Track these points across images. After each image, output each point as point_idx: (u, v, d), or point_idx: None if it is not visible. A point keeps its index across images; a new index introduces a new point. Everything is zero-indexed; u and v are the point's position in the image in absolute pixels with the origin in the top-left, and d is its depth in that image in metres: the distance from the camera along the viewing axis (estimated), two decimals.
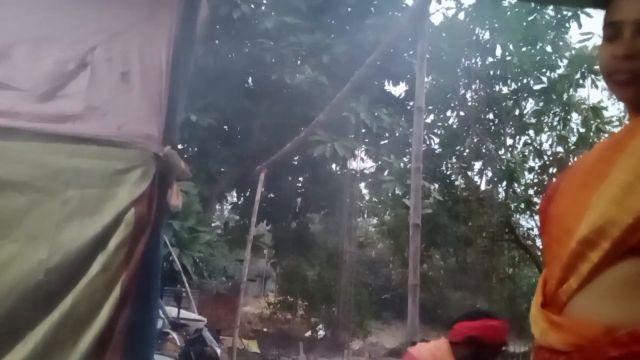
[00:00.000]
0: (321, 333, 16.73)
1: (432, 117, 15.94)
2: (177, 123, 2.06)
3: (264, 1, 11.52)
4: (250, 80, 12.36)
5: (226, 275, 10.83)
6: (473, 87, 16.65)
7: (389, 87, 14.61)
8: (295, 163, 13.76)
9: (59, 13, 1.90)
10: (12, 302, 1.55)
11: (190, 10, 2.07)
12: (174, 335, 4.73)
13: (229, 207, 17.16)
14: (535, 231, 16.70)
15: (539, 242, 16.54)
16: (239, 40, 11.15)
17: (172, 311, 5.22)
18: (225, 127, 12.13)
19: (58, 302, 1.59)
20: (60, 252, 1.63)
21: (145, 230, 1.79)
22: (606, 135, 14.78)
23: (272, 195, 14.13)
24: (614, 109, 16.54)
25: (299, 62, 11.07)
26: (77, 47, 1.85)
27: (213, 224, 13.05)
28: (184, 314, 5.70)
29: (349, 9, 11.73)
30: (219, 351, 5.23)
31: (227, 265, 10.74)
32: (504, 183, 15.24)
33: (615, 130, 14.56)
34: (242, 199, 14.54)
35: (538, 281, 1.24)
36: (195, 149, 11.61)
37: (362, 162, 13.88)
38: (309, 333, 16.60)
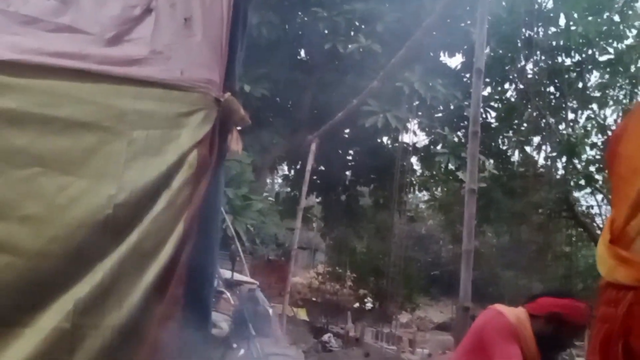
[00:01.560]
0: (369, 305, 16.86)
1: (489, 89, 15.41)
2: (237, 71, 2.08)
3: None
4: (302, 50, 12.32)
5: (277, 243, 11.04)
6: (534, 58, 15.94)
7: (444, 58, 14.20)
8: (346, 135, 13.69)
9: None
10: (82, 234, 1.63)
11: None
12: (228, 294, 4.87)
13: (280, 179, 17.38)
14: (596, 209, 16.04)
15: (598, 221, 15.89)
16: (292, 9, 11.09)
17: (226, 273, 5.37)
18: (278, 98, 12.17)
19: (125, 236, 1.66)
20: (128, 189, 1.69)
21: (206, 172, 1.83)
22: None
23: (322, 167, 14.15)
24: None
25: (352, 31, 10.91)
26: None
27: (265, 195, 13.27)
28: (237, 276, 5.84)
29: None
30: (270, 311, 5.37)
31: (278, 233, 10.92)
32: (564, 159, 14.63)
33: None
34: (292, 171, 14.68)
35: (604, 224, 1.20)
36: (249, 119, 11.66)
37: (415, 135, 13.66)
38: (357, 304, 16.77)
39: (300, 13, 11.31)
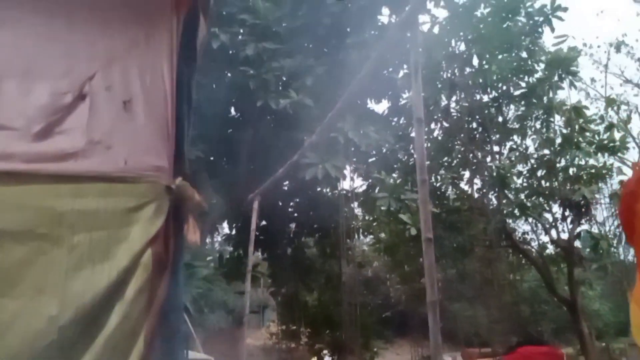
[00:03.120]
0: (327, 359, 16.36)
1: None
2: (186, 151, 1.90)
3: (241, 30, 11.48)
4: (233, 109, 12.24)
5: (227, 310, 10.51)
6: (454, 97, 16.79)
7: (371, 104, 14.61)
8: (285, 188, 13.56)
9: (47, 41, 1.73)
10: None
11: (190, 30, 1.93)
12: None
13: (221, 239, 16.85)
14: (531, 235, 16.71)
15: (535, 245, 16.55)
16: (220, 70, 11.05)
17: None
18: (213, 158, 11.94)
19: None
20: (72, 305, 1.43)
21: (164, 272, 1.61)
22: (589, 134, 14.94)
23: (264, 222, 13.88)
24: (594, 107, 16.78)
25: (281, 87, 11.00)
26: (72, 77, 1.69)
27: (207, 258, 12.74)
28: (191, 355, 5.42)
29: (327, 31, 11.73)
30: None
31: (226, 298, 10.43)
32: (495, 190, 15.23)
33: (599, 128, 14.71)
34: (234, 230, 14.31)
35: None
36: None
37: (353, 182, 13.77)
38: None
39: (228, 73, 11.31)
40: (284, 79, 11.14)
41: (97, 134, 1.66)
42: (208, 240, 15.87)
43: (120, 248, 1.56)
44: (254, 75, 10.32)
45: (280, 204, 14.08)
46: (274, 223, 13.68)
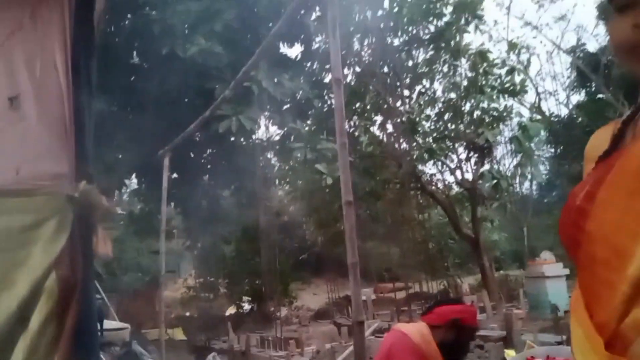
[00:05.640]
0: (247, 306, 16.56)
1: (329, 76, 15.85)
2: (90, 150, 1.65)
3: None
4: (136, 55, 11.30)
5: (141, 270, 10.16)
6: (366, 42, 16.77)
7: (284, 49, 14.19)
8: (197, 139, 13.04)
9: None
10: None
11: (84, 3, 1.63)
12: (102, 357, 4.27)
13: (128, 193, 16.04)
14: (438, 176, 17.60)
15: (441, 186, 17.47)
16: (119, 12, 10.06)
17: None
18: (115, 108, 11.08)
19: None
20: None
21: (72, 296, 1.41)
22: (492, 77, 15.66)
23: (176, 175, 13.33)
24: (496, 50, 17.49)
25: (188, 32, 10.28)
26: None
27: (118, 217, 12.10)
28: (107, 324, 5.19)
29: None
30: None
31: (140, 259, 10.06)
32: (405, 135, 15.69)
33: (501, 71, 15.44)
34: (143, 184, 13.62)
35: (571, 303, 1.08)
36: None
37: (267, 131, 13.53)
38: (234, 309, 16.35)
39: (129, 15, 10.33)
40: (191, 24, 10.41)
41: None
42: (116, 196, 15.07)
43: (18, 274, 1.34)
44: (158, 19, 9.54)
45: (192, 155, 13.58)
46: (187, 175, 13.20)
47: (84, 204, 1.51)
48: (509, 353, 6.85)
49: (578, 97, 20.17)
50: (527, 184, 20.68)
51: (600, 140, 1.15)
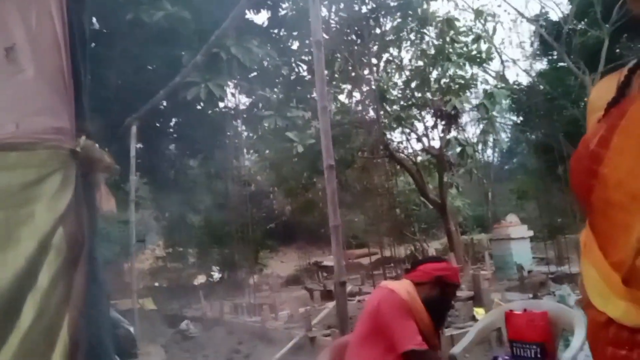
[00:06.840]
0: (217, 276, 16.60)
1: (297, 44, 15.65)
2: (88, 104, 1.60)
3: None
4: (97, 21, 10.83)
5: (109, 240, 9.98)
6: (334, 8, 16.55)
7: (250, 15, 13.86)
8: (163, 108, 12.72)
9: None
10: None
11: None
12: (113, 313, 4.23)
13: None
14: (405, 144, 17.80)
15: (408, 153, 17.70)
16: None
17: None
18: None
19: None
20: None
21: (81, 253, 1.39)
22: (459, 45, 15.77)
23: (141, 145, 13.02)
24: (462, 18, 17.58)
25: None
26: None
27: None
28: None
29: None
30: (132, 329, 4.83)
31: (109, 230, 9.88)
32: (374, 103, 15.73)
33: (468, 39, 15.56)
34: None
35: (583, 245, 1.13)
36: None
37: (235, 99, 13.29)
38: (204, 279, 16.37)
39: None
40: None
41: None
42: None
43: (23, 231, 1.30)
44: None
45: (158, 124, 13.27)
46: (153, 145, 12.92)
47: (86, 159, 1.47)
48: (478, 311, 7.14)
49: (540, 66, 20.60)
50: (489, 151, 21.18)
51: (603, 91, 1.18)
